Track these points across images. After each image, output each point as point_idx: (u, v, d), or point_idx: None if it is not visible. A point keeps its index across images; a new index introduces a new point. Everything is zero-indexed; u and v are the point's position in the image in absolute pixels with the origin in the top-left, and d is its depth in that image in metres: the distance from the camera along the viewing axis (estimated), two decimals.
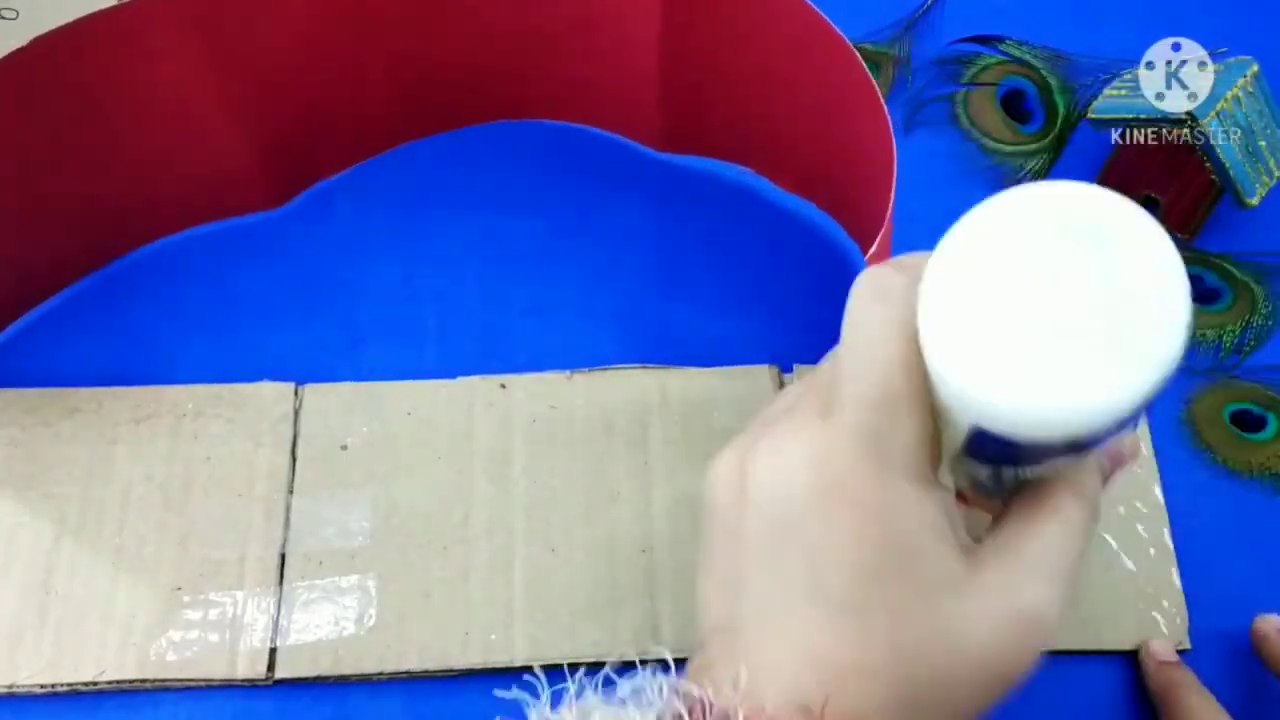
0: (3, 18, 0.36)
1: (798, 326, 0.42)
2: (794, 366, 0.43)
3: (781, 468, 0.24)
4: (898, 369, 0.23)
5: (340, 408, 0.41)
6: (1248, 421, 0.43)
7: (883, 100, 0.36)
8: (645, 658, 0.37)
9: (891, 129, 0.35)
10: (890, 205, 0.35)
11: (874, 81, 0.36)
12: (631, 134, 0.49)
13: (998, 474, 0.25)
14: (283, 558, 0.39)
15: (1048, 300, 0.21)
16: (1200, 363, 0.44)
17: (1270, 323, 0.44)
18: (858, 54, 0.36)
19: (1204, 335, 0.44)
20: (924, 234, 0.46)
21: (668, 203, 0.47)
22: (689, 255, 0.46)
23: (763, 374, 0.42)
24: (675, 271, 0.46)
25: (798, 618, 0.23)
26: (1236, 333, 0.44)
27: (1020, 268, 0.22)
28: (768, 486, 0.24)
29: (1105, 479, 0.27)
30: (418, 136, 0.49)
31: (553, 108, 0.49)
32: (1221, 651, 0.39)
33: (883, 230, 0.34)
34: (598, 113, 0.48)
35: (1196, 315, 0.44)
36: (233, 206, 0.46)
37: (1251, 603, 0.39)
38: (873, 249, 0.34)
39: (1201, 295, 0.45)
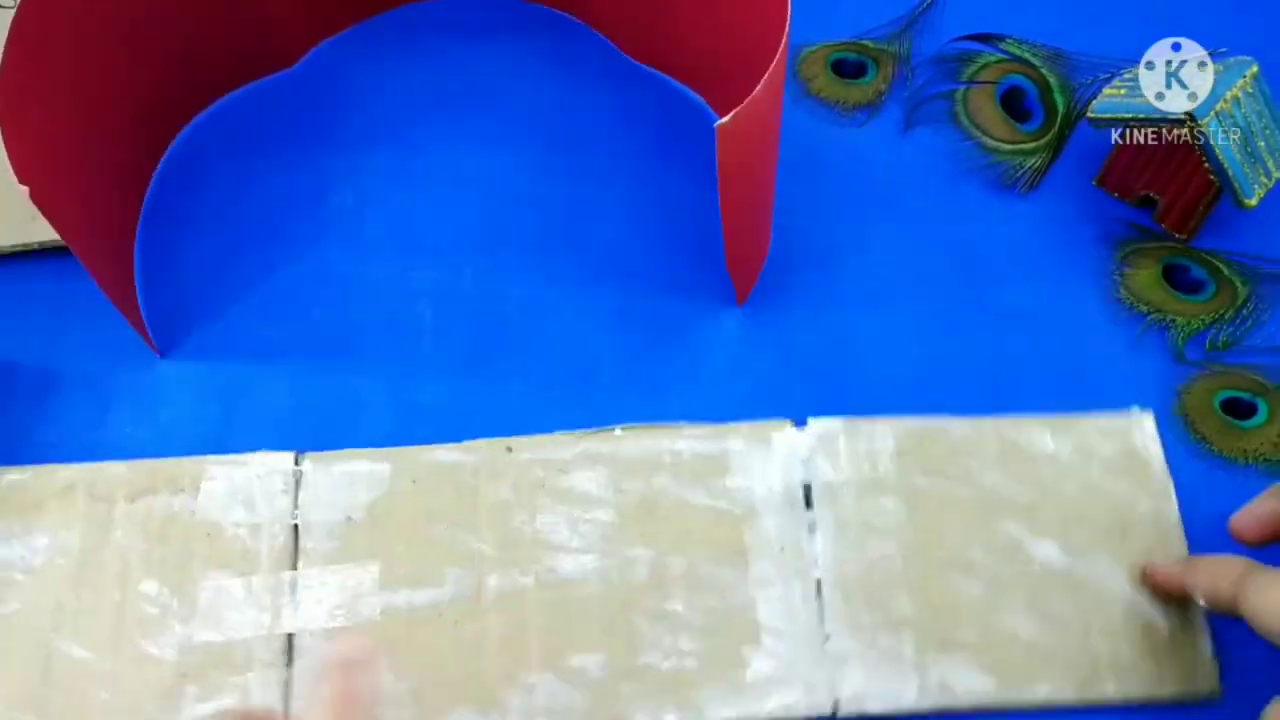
0: (2, 6, 0.36)
1: None
2: (808, 420, 0.42)
3: None
4: None
5: (344, 479, 0.39)
6: (1239, 409, 0.44)
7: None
8: None
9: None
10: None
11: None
12: (609, 32, 0.49)
13: None
14: (290, 636, 0.37)
15: None
16: (1189, 352, 0.44)
17: (1254, 310, 0.45)
18: None
19: (1190, 324, 0.45)
20: (923, 231, 0.46)
21: (631, 112, 0.48)
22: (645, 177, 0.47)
23: (778, 429, 0.41)
24: (622, 190, 0.47)
25: None
26: (1225, 321, 0.45)
27: None
28: None
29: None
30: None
31: None
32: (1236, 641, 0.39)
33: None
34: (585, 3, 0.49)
35: (1182, 304, 0.45)
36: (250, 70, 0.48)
37: None
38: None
39: (1187, 285, 0.46)
